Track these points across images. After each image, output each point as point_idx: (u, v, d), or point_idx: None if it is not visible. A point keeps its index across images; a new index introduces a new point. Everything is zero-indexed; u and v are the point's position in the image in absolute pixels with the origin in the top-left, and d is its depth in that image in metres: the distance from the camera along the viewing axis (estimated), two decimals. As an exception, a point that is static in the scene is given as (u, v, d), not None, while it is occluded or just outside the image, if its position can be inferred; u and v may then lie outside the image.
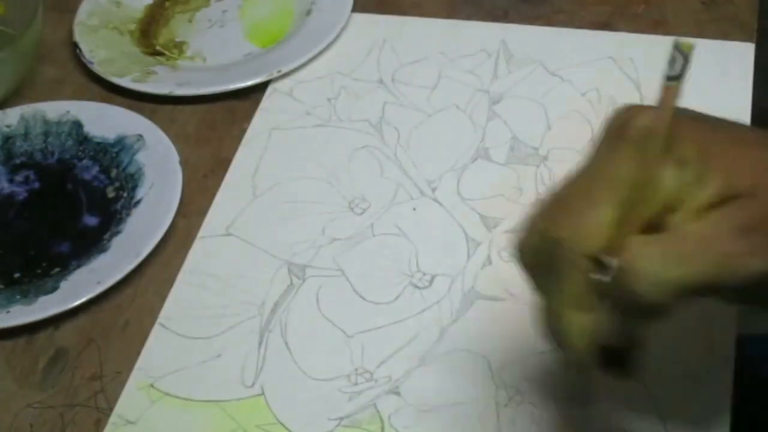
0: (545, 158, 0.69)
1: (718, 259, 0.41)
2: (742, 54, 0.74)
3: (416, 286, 0.63)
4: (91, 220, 0.69)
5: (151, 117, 0.74)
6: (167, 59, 0.81)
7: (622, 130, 0.44)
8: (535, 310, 0.46)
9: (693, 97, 0.74)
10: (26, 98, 0.77)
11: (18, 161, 0.74)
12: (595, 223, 0.43)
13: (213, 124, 0.75)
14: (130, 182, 0.70)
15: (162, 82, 0.76)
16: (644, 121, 0.43)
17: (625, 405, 0.56)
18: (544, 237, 0.44)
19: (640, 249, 0.42)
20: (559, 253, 0.43)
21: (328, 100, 0.76)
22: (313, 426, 0.57)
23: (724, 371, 0.57)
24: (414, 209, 0.67)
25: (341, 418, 0.57)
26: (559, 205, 0.45)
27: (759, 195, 0.42)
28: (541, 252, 0.45)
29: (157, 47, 0.82)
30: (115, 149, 0.72)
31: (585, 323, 0.44)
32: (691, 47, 0.42)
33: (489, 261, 0.64)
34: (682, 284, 0.41)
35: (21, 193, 0.72)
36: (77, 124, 0.74)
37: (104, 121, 0.74)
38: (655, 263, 0.41)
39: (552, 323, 0.45)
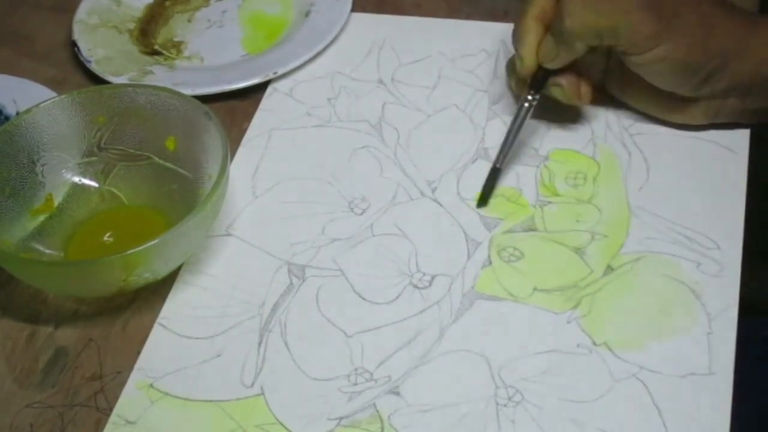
0: (545, 158, 0.69)
1: (619, 17, 0.62)
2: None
3: (416, 286, 0.63)
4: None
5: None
6: (165, 59, 0.81)
7: None
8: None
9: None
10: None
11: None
12: None
13: (213, 123, 0.75)
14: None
15: (159, 82, 0.76)
16: None
17: (624, 405, 0.56)
18: None
19: None
20: None
21: (328, 100, 0.76)
22: (312, 426, 0.57)
23: (724, 371, 0.57)
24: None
25: (341, 418, 0.57)
26: None
27: None
28: None
29: (156, 47, 0.82)
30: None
31: (537, 30, 0.67)
32: None
33: (489, 261, 0.64)
34: (591, 26, 0.63)
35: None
36: None
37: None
38: (578, 6, 0.63)
39: (517, 29, 0.68)
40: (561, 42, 0.65)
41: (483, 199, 0.67)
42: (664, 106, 0.68)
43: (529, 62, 0.67)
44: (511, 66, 0.71)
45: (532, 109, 0.68)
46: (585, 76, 0.68)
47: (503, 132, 0.71)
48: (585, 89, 0.68)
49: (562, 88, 0.67)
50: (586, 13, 0.63)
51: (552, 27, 0.66)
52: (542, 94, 0.68)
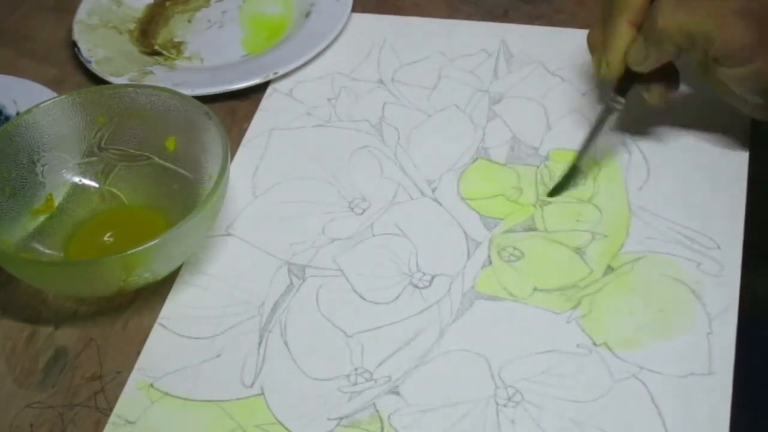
0: (545, 158, 0.69)
1: (714, 20, 0.59)
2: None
3: (416, 286, 0.63)
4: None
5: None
6: (165, 59, 0.81)
7: None
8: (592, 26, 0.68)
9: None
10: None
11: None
12: None
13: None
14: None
15: (159, 82, 0.76)
16: None
17: (625, 404, 0.56)
18: None
19: None
20: None
21: (328, 100, 0.76)
22: (312, 426, 0.57)
23: (724, 371, 0.57)
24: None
25: (341, 418, 0.57)
26: None
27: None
28: None
29: (156, 47, 0.82)
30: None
31: (629, 34, 0.64)
32: None
33: (489, 261, 0.64)
34: (684, 28, 0.60)
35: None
36: None
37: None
38: (671, 5, 0.60)
39: (607, 33, 0.65)
40: (652, 43, 0.62)
41: (554, 192, 0.67)
42: (751, 107, 0.65)
43: (616, 66, 0.65)
44: (596, 67, 0.67)
45: (616, 113, 0.67)
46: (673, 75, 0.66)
47: (503, 132, 0.71)
48: (672, 94, 0.66)
49: (650, 93, 0.66)
50: (679, 13, 0.60)
51: (644, 27, 0.63)
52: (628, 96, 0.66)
